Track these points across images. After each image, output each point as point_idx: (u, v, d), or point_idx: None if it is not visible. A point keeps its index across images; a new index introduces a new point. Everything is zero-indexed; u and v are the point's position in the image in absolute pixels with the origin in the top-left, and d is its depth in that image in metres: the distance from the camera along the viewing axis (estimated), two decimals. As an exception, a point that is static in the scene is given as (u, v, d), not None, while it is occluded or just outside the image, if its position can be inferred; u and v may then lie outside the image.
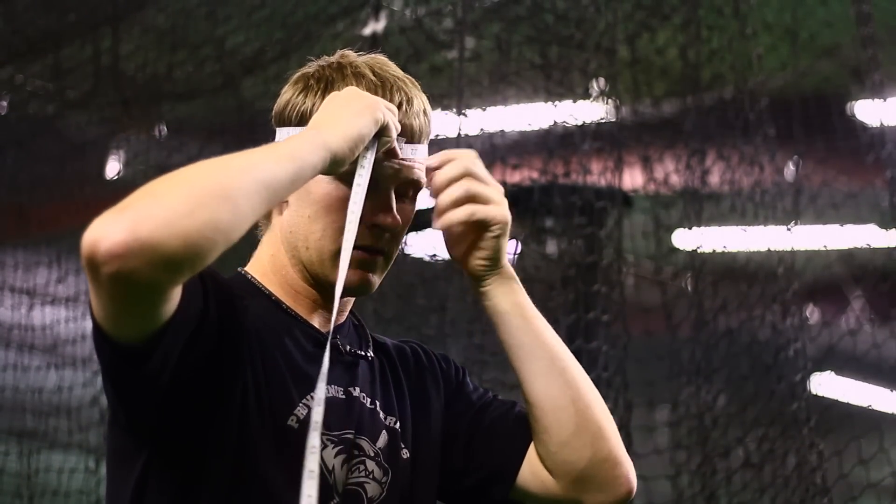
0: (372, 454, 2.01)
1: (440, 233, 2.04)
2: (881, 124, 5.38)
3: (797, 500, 5.02)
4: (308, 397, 1.96)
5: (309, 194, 1.99)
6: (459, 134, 5.34)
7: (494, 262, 2.03)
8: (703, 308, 5.60)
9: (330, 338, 1.95)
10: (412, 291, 5.62)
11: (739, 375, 5.51)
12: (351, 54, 2.07)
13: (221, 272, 1.99)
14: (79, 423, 7.08)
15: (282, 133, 2.03)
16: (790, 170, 6.16)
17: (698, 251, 5.73)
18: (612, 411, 5.46)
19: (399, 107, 1.99)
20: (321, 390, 1.82)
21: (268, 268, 2.06)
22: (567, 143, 5.42)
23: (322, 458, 1.95)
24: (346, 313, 2.10)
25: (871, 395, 8.24)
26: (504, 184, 5.35)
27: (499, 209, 2.01)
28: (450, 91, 5.46)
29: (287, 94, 2.05)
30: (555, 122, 5.46)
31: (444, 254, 5.83)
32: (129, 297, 1.71)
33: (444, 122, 5.43)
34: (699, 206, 5.70)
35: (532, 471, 2.06)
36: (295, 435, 1.93)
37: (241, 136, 6.92)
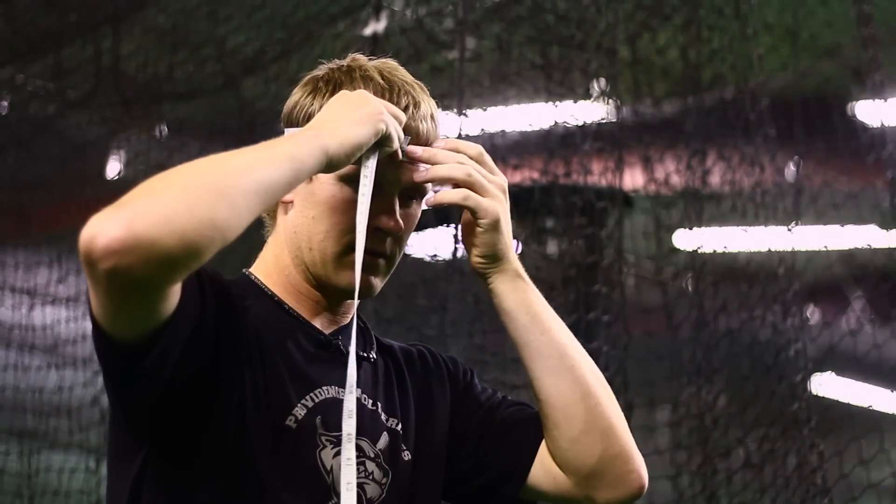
0: (372, 455, 2.01)
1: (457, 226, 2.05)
2: (882, 125, 5.38)
3: (797, 501, 5.01)
4: (307, 398, 1.96)
5: (313, 195, 2.00)
6: (460, 134, 5.34)
7: (492, 258, 2.03)
8: (703, 308, 5.60)
9: (353, 342, 1.94)
10: (413, 291, 5.62)
11: (740, 376, 5.51)
12: (361, 58, 2.07)
13: (224, 274, 1.99)
14: (79, 423, 7.08)
15: (288, 133, 2.03)
16: (791, 170, 6.17)
17: (699, 251, 5.73)
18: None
19: (405, 110, 2.00)
20: (351, 401, 1.87)
21: (271, 268, 2.06)
22: (568, 143, 5.42)
23: (321, 458, 1.95)
24: (350, 315, 2.09)
25: (872, 396, 8.25)
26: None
27: (490, 202, 2.01)
28: (450, 91, 5.45)
29: (296, 95, 2.06)
30: (555, 123, 5.46)
31: (444, 254, 5.83)
32: (125, 294, 1.71)
33: (444, 123, 5.42)
34: (700, 206, 5.70)
35: (544, 468, 2.06)
36: (293, 435, 1.94)
37: (241, 136, 6.91)
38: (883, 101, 5.20)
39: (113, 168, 8.12)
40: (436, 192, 2.05)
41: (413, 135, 2.01)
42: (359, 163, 1.94)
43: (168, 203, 1.67)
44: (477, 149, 2.05)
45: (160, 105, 7.39)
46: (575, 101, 5.48)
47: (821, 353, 5.74)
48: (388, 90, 2.01)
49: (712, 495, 5.35)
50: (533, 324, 2.04)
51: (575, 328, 5.14)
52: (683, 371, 5.56)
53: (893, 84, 5.41)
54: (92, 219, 1.66)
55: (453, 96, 5.40)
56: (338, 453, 1.97)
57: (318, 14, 6.32)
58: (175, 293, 1.77)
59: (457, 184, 2.01)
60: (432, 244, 5.83)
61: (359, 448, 2.00)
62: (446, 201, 2.01)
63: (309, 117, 2.00)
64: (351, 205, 1.96)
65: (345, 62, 2.07)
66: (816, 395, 6.15)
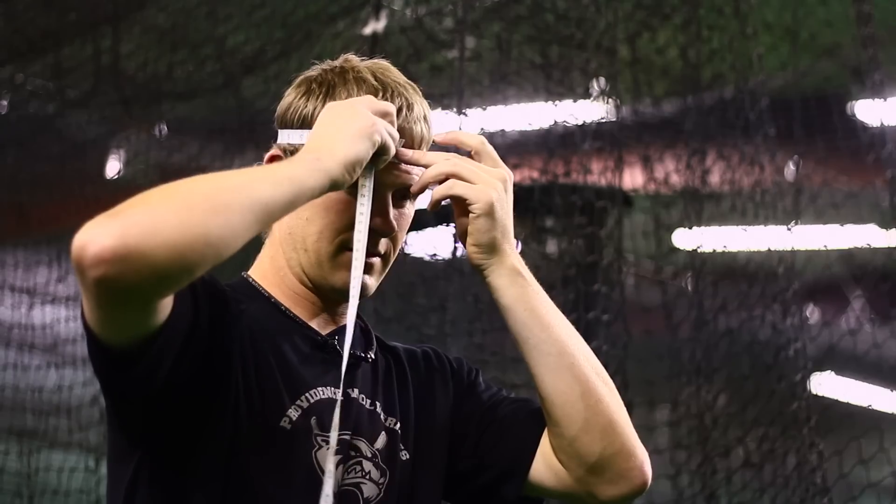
0: (369, 455, 2.01)
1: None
2: (881, 124, 5.38)
3: (797, 500, 5.01)
4: (301, 399, 1.97)
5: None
6: (460, 133, 5.33)
7: (487, 248, 2.02)
8: (703, 308, 5.60)
9: (346, 347, 1.94)
10: (412, 291, 5.62)
11: (740, 375, 5.51)
12: (354, 59, 2.07)
13: (224, 276, 1.99)
14: (79, 423, 7.08)
15: (283, 135, 2.04)
16: (790, 169, 6.17)
17: (698, 251, 5.73)
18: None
19: (399, 112, 2.00)
20: (334, 439, 1.88)
21: (268, 271, 2.07)
22: (567, 142, 5.42)
23: (317, 459, 1.96)
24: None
25: (871, 395, 8.25)
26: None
27: (481, 188, 2.00)
28: (450, 91, 5.45)
29: (290, 96, 2.06)
30: (555, 122, 5.46)
31: (444, 253, 5.83)
32: (115, 303, 1.71)
33: (444, 122, 5.43)
34: (699, 205, 5.70)
35: (546, 464, 2.06)
36: (287, 436, 1.94)
37: (241, 136, 6.93)
38: (882, 100, 5.20)
39: (112, 167, 8.12)
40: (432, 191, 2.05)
41: (407, 137, 2.01)
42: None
43: (161, 216, 1.67)
44: (477, 139, 2.05)
45: (160, 104, 7.39)
46: (574, 101, 5.47)
47: (820, 352, 5.75)
48: (381, 91, 2.01)
49: (712, 495, 5.35)
50: (531, 320, 2.03)
51: (575, 327, 5.17)
52: (683, 370, 5.56)
53: (893, 83, 5.41)
54: (85, 225, 1.66)
55: (453, 96, 5.40)
56: (334, 453, 1.97)
57: (317, 13, 6.32)
58: (167, 303, 1.78)
59: (446, 178, 2.00)
60: (432, 243, 5.83)
61: (356, 448, 2.00)
62: (436, 197, 2.01)
63: (303, 119, 2.01)
64: (344, 205, 1.97)
65: (337, 63, 2.07)
66: (816, 395, 6.15)
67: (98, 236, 1.64)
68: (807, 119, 6.02)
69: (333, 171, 1.86)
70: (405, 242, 2.19)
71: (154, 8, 6.81)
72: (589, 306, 5.16)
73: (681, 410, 5.55)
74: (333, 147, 1.88)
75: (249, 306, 1.99)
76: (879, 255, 6.24)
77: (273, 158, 2.04)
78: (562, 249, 5.44)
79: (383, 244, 2.02)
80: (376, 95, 2.00)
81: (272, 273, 2.06)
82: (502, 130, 5.60)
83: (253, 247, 2.11)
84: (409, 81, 2.06)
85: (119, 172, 8.08)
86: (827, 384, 7.52)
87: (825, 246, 6.34)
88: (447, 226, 5.48)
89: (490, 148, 2.05)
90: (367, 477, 2.00)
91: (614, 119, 5.54)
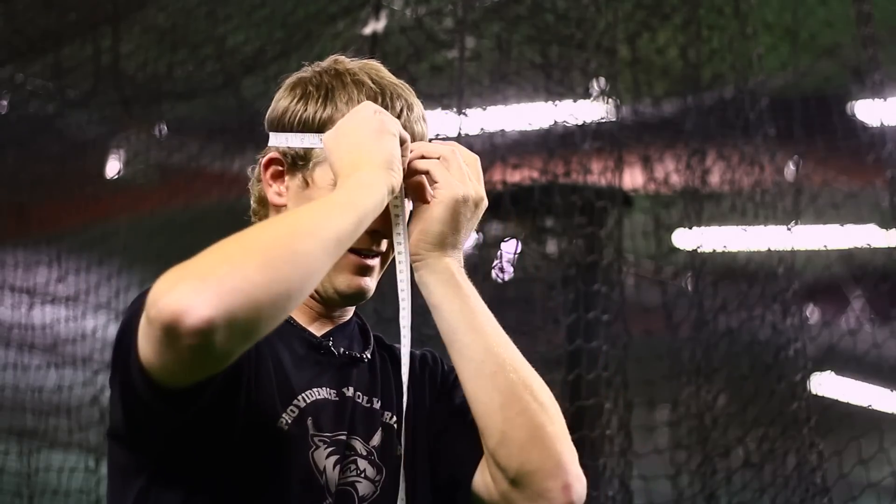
0: (364, 453, 2.02)
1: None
2: (881, 124, 5.38)
3: (797, 500, 5.02)
4: (297, 399, 1.98)
5: (310, 200, 2.00)
6: (460, 133, 5.34)
7: (431, 240, 1.99)
8: (703, 308, 5.60)
9: (404, 360, 1.99)
10: (412, 291, 5.60)
11: (739, 375, 5.51)
12: (345, 60, 2.08)
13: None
14: (79, 423, 7.08)
15: (280, 138, 2.04)
16: (790, 169, 6.17)
17: (698, 251, 5.73)
18: (612, 411, 5.46)
19: (400, 113, 2.01)
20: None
21: None
22: (567, 142, 5.42)
23: (314, 459, 1.96)
24: (347, 317, 2.11)
25: (871, 395, 8.25)
26: (504, 183, 5.37)
27: (454, 181, 1.99)
28: (450, 91, 5.46)
29: (284, 100, 2.06)
30: (555, 122, 5.46)
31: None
32: (202, 363, 1.74)
33: (444, 122, 5.43)
34: (699, 205, 5.70)
35: (482, 474, 2.02)
36: (284, 437, 1.95)
37: (241, 136, 6.92)
38: (882, 100, 5.20)
39: (112, 167, 8.12)
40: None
41: (410, 138, 2.03)
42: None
43: (249, 276, 1.69)
44: (442, 152, 2.02)
45: (160, 104, 7.40)
46: (574, 101, 5.48)
47: (820, 352, 5.75)
48: (380, 93, 2.02)
49: (712, 495, 5.35)
50: (458, 323, 1.99)
51: (575, 328, 5.18)
52: (683, 370, 5.57)
53: (893, 83, 5.41)
54: (173, 288, 1.67)
55: (453, 96, 5.41)
56: (331, 454, 1.97)
57: (317, 13, 6.32)
58: None
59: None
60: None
61: (351, 447, 2.00)
62: (413, 164, 2.00)
63: (303, 123, 2.02)
64: None
65: (329, 65, 2.07)
66: (816, 395, 6.15)
67: (195, 306, 1.66)
68: (807, 119, 6.02)
69: (384, 178, 1.90)
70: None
71: (154, 8, 6.81)
72: (589, 306, 5.16)
73: (681, 410, 5.55)
74: (368, 157, 1.91)
75: None
76: (879, 255, 6.24)
77: (271, 162, 2.05)
78: (562, 249, 5.44)
79: (384, 244, 2.04)
80: (375, 99, 2.01)
81: None
82: (502, 130, 5.60)
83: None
84: (402, 82, 2.08)
85: (119, 172, 8.09)
86: (827, 384, 7.51)
87: (825, 246, 6.34)
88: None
89: (455, 160, 2.01)
90: (363, 475, 2.00)
91: (614, 119, 5.54)
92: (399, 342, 2.19)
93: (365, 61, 2.09)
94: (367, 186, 1.88)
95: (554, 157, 5.38)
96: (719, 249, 5.74)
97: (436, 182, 1.99)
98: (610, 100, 5.53)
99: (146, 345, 1.77)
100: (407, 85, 2.07)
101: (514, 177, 5.44)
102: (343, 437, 2.00)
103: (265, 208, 2.08)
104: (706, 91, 5.77)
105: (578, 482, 1.97)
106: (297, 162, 2.03)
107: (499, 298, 5.31)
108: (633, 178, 5.99)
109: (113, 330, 1.95)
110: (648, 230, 5.95)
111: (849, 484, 4.96)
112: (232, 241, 1.74)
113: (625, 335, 5.30)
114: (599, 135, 5.40)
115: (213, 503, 1.92)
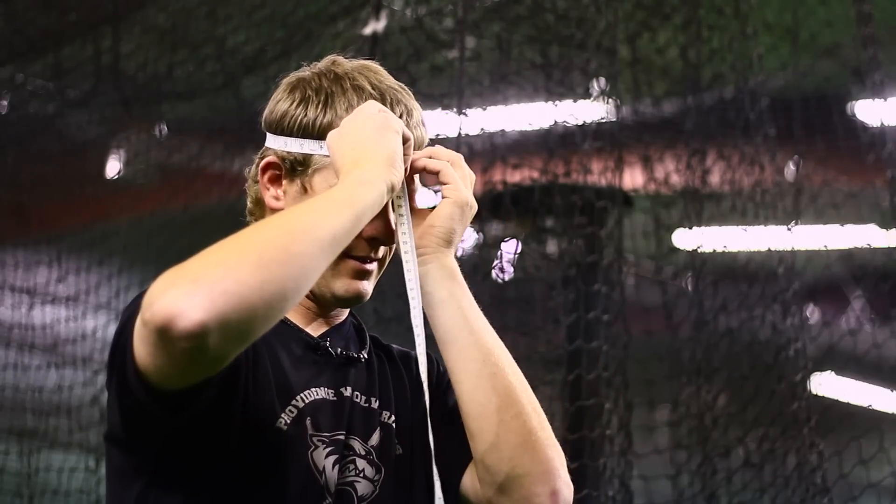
0: (363, 453, 2.02)
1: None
2: (881, 124, 5.38)
3: (797, 500, 5.02)
4: (295, 400, 1.98)
5: (308, 200, 2.00)
6: (460, 133, 5.34)
7: (443, 235, 2.01)
8: (703, 308, 5.60)
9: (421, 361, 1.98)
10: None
11: (740, 375, 5.51)
12: (343, 62, 2.07)
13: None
14: (79, 423, 7.08)
15: (279, 141, 2.04)
16: (791, 169, 6.17)
17: (699, 251, 5.73)
18: (612, 411, 5.46)
19: (399, 118, 2.00)
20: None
21: None
22: (567, 142, 5.42)
23: (313, 459, 1.96)
24: (342, 318, 2.11)
25: (871, 395, 8.24)
26: (505, 183, 5.37)
27: (462, 186, 2.01)
28: (450, 91, 5.46)
29: (283, 102, 2.06)
30: (555, 122, 5.46)
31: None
32: (196, 366, 1.74)
33: (444, 122, 5.43)
34: (699, 205, 5.71)
35: (470, 478, 2.02)
36: (283, 438, 1.95)
37: (241, 136, 6.92)
38: (883, 100, 5.20)
39: (112, 167, 8.13)
40: (436, 190, 2.05)
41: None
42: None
43: (243, 280, 1.69)
44: (452, 156, 2.05)
45: (160, 104, 7.40)
46: (575, 101, 5.48)
47: (820, 352, 5.75)
48: (380, 100, 2.02)
49: (712, 495, 5.35)
50: (461, 321, 2.00)
51: (575, 328, 5.18)
52: (683, 370, 5.57)
53: (893, 83, 5.41)
54: (167, 292, 1.67)
55: (453, 96, 5.41)
56: (330, 454, 1.97)
57: (317, 13, 6.32)
58: None
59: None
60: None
61: (349, 447, 2.00)
62: (426, 165, 2.02)
63: (303, 128, 2.02)
64: None
65: (328, 66, 2.07)
66: (816, 395, 6.15)
67: (187, 310, 1.66)
68: (807, 119, 6.02)
69: (384, 175, 1.89)
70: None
71: (154, 8, 6.81)
72: (589, 306, 5.16)
73: (681, 410, 5.55)
74: (370, 153, 1.91)
75: None
76: (879, 255, 6.24)
77: (269, 166, 2.04)
78: (562, 249, 5.44)
79: (382, 250, 2.04)
80: None
81: None
82: (502, 130, 5.60)
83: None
84: (401, 84, 2.07)
85: (119, 172, 8.09)
86: (827, 384, 7.52)
87: (825, 246, 6.34)
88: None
89: (456, 168, 2.04)
90: (361, 475, 2.00)
91: (614, 119, 5.54)
92: (397, 341, 2.20)
93: (363, 62, 2.08)
94: (366, 183, 1.88)
95: (554, 157, 5.38)
96: (719, 249, 5.74)
97: (447, 183, 2.01)
98: (610, 100, 5.53)
99: (141, 347, 1.77)
100: (406, 88, 2.07)
101: (515, 177, 5.44)
102: (342, 437, 2.00)
103: (261, 209, 2.07)
104: (706, 91, 5.77)
105: (567, 488, 1.98)
106: (296, 167, 2.02)
107: (499, 298, 5.31)
108: (633, 178, 5.99)
109: (113, 330, 1.94)
110: (648, 230, 5.95)
111: (849, 484, 4.97)
112: (226, 244, 1.73)
113: (625, 335, 5.30)
114: (599, 135, 5.40)
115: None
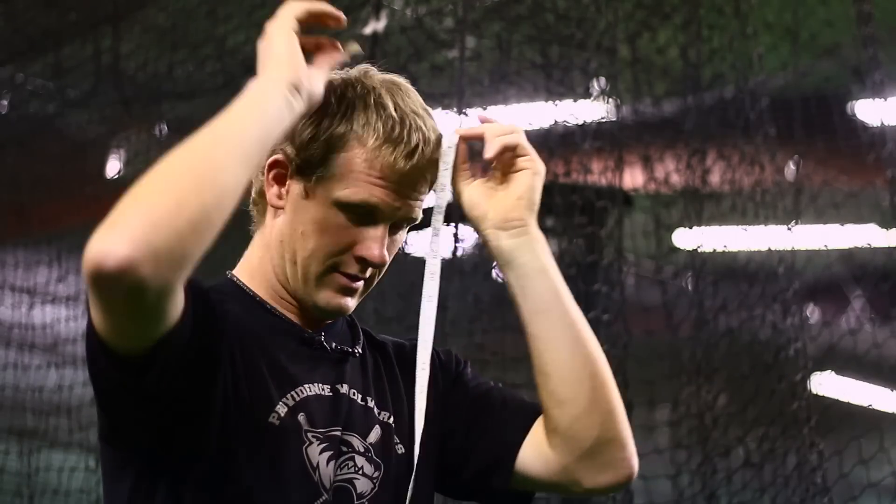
0: (362, 450, 2.01)
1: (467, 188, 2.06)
2: (882, 124, 5.38)
3: (797, 500, 5.02)
4: (288, 395, 1.97)
5: (307, 212, 2.00)
6: (459, 134, 5.33)
7: (530, 206, 2.04)
8: (703, 307, 5.60)
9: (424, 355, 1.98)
10: (413, 291, 5.60)
11: (740, 375, 5.51)
12: (374, 75, 2.04)
13: (212, 272, 1.99)
14: (79, 422, 7.09)
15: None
16: (791, 169, 6.17)
17: (699, 251, 5.73)
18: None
19: (415, 148, 1.99)
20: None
21: (256, 269, 2.07)
22: (568, 142, 5.42)
23: (307, 455, 1.96)
24: None
25: (872, 395, 8.25)
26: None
27: (537, 157, 2.05)
28: (450, 90, 5.45)
29: None
30: (555, 122, 5.46)
31: (445, 253, 5.83)
32: (140, 304, 1.72)
33: (444, 122, 5.43)
34: (700, 205, 5.71)
35: (535, 451, 2.05)
36: (276, 433, 1.95)
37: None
38: (883, 100, 5.20)
39: (112, 167, 8.13)
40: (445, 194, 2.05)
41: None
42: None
43: (157, 208, 1.68)
44: (516, 128, 2.08)
45: (160, 104, 7.40)
46: (575, 101, 5.48)
47: (821, 352, 5.75)
48: (399, 124, 1.99)
49: (712, 494, 5.35)
50: (557, 290, 2.04)
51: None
52: (683, 370, 5.57)
53: (893, 83, 5.41)
54: (90, 244, 1.67)
55: (453, 95, 5.41)
56: (324, 450, 1.97)
57: (317, 13, 6.31)
58: (180, 301, 1.79)
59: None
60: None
61: (348, 444, 2.00)
62: (506, 142, 2.03)
63: (312, 135, 2.00)
64: (341, 229, 1.98)
65: (358, 76, 2.04)
66: (816, 395, 6.15)
67: (110, 248, 1.65)
68: (807, 119, 6.02)
69: (279, 74, 1.88)
70: (405, 243, 2.19)
71: (154, 8, 6.81)
72: (589, 306, 5.15)
73: (681, 410, 5.56)
74: (264, 60, 1.91)
75: (235, 307, 1.99)
76: (879, 255, 6.24)
77: (276, 163, 2.03)
78: (562, 249, 5.44)
79: (369, 271, 2.03)
80: (392, 128, 1.98)
81: (259, 274, 2.06)
82: (502, 130, 5.59)
83: (240, 245, 2.11)
84: (426, 108, 2.05)
85: (119, 172, 8.09)
86: (827, 384, 7.52)
87: (825, 246, 6.34)
88: (447, 225, 5.49)
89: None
90: (360, 472, 2.00)
91: (614, 119, 5.54)
92: (400, 338, 2.20)
93: (393, 79, 2.05)
94: (262, 87, 1.87)
95: (554, 157, 5.38)
96: (719, 249, 5.74)
97: (527, 154, 2.04)
98: (610, 99, 5.53)
99: (95, 313, 1.77)
100: (427, 109, 2.05)
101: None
102: (337, 433, 1.99)
103: (264, 201, 2.07)
104: (706, 91, 5.77)
105: (636, 457, 2.05)
106: (303, 170, 2.01)
107: (499, 298, 5.31)
108: (633, 178, 5.99)
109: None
110: (649, 230, 5.95)
111: (849, 484, 4.97)
112: (137, 183, 1.73)
113: (625, 335, 5.29)
114: (600, 134, 5.40)
115: (204, 499, 1.91)
